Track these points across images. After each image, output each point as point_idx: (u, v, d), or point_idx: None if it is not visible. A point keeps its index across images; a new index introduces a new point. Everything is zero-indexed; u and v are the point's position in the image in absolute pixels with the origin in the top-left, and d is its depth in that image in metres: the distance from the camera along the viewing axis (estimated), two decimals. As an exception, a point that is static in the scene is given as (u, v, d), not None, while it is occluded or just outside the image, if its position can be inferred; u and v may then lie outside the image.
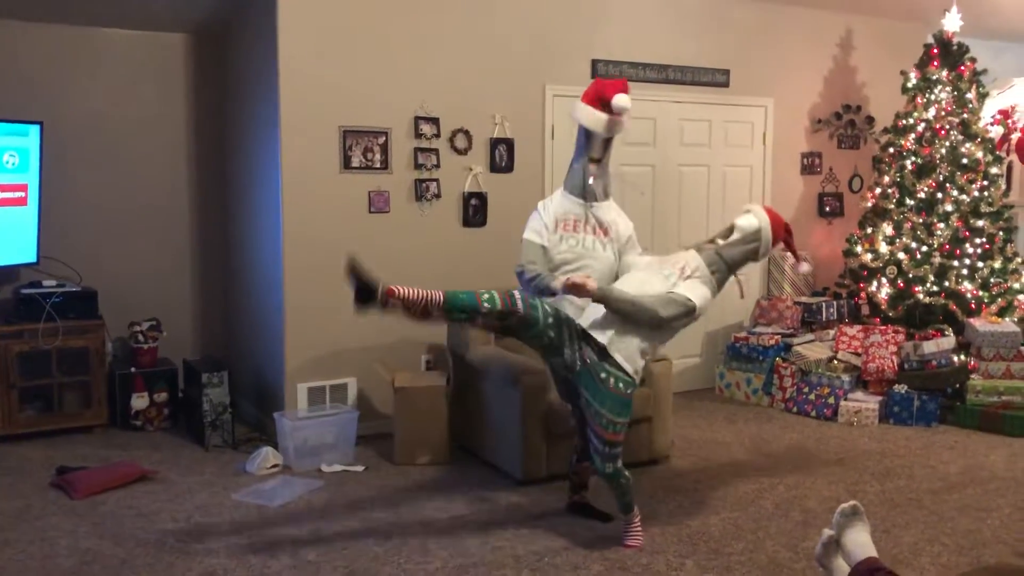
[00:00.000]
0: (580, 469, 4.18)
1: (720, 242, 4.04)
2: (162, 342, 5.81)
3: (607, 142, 3.99)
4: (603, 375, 3.62)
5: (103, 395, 5.53)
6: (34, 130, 5.38)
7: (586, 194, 4.01)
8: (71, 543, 3.86)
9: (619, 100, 3.85)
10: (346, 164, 5.32)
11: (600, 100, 3.91)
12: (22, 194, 5.38)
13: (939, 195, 6.38)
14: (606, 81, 4.02)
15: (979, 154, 6.42)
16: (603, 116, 3.91)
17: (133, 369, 5.65)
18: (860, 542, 2.45)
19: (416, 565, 3.67)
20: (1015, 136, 7.40)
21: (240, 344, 6.08)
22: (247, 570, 3.60)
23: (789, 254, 6.83)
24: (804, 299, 6.78)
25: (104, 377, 5.54)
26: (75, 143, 5.74)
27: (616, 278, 3.98)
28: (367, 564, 3.67)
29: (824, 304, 6.67)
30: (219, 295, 6.29)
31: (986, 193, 6.41)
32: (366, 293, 3.30)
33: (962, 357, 5.98)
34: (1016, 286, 6.37)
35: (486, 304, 3.37)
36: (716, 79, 6.55)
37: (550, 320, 3.47)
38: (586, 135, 3.99)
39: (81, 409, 5.51)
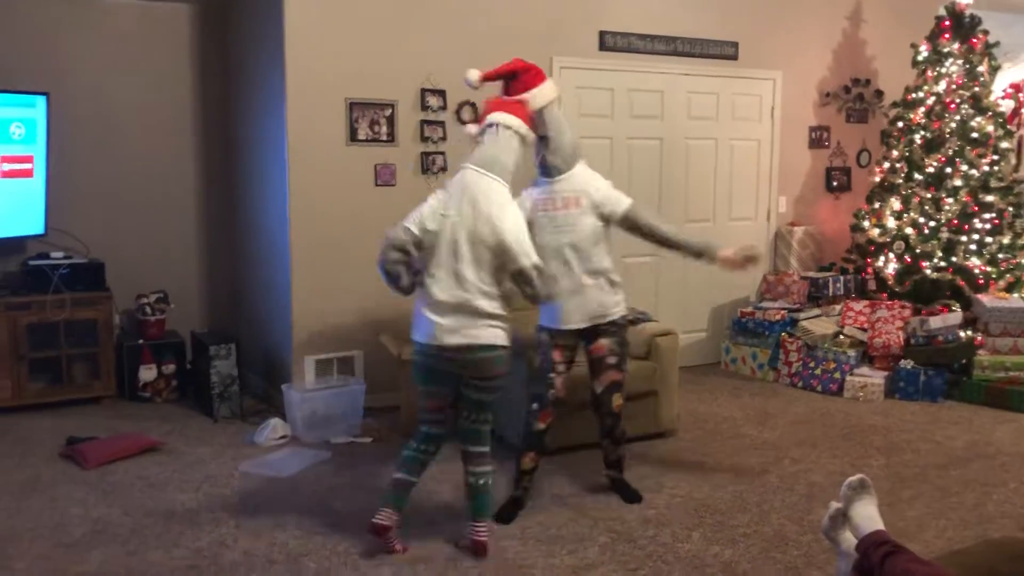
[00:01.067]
0: (603, 447, 4.19)
1: None
2: (170, 314, 5.82)
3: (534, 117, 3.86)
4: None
5: (111, 367, 5.56)
6: (41, 101, 5.36)
7: (551, 172, 3.93)
8: (81, 512, 3.90)
9: (471, 76, 3.89)
10: (352, 137, 5.30)
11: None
12: (29, 165, 5.38)
13: (948, 170, 6.35)
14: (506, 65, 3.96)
15: (989, 128, 6.37)
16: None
17: (141, 341, 5.67)
18: (867, 515, 2.46)
19: (424, 536, 3.70)
20: (1026, 110, 7.36)
21: (248, 316, 6.09)
22: (255, 540, 3.63)
23: (795, 228, 6.85)
24: (811, 274, 6.77)
25: (112, 349, 5.57)
26: (81, 114, 5.72)
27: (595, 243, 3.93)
28: (375, 536, 3.69)
29: (831, 279, 6.66)
30: (226, 267, 6.30)
31: (996, 168, 6.37)
32: None
33: (969, 333, 5.98)
34: (1024, 261, 6.36)
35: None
36: (725, 51, 6.51)
37: None
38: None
39: (89, 380, 5.54)
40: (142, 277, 5.87)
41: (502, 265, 3.42)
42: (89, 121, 5.77)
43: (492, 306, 3.43)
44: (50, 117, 5.41)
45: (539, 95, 3.83)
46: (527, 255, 3.42)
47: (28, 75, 5.49)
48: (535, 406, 3.98)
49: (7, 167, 5.29)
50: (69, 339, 5.43)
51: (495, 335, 3.44)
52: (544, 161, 3.94)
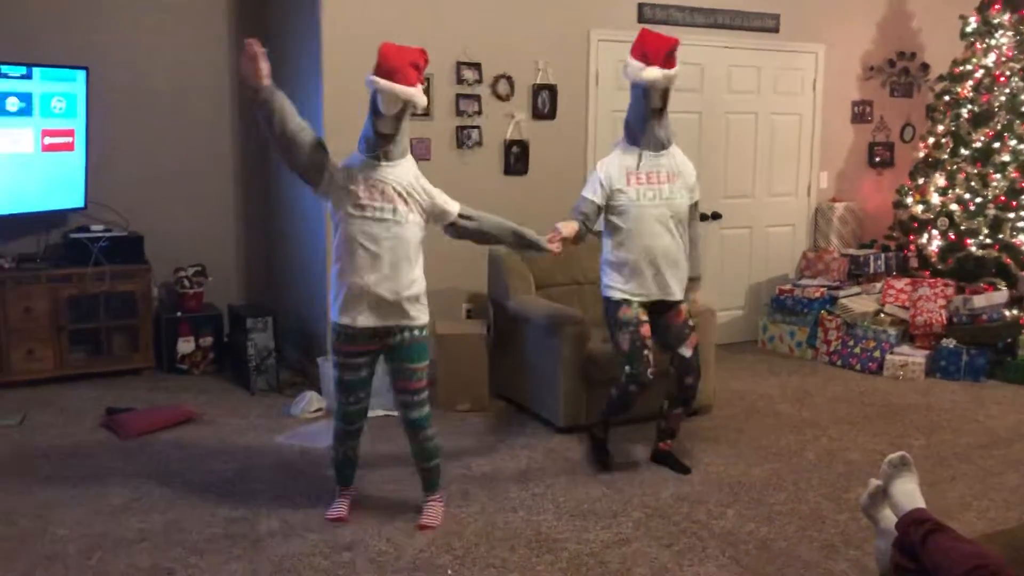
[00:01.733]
0: (671, 416, 4.18)
1: None
2: (207, 287, 5.87)
3: (663, 93, 3.92)
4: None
5: (150, 339, 5.63)
6: (81, 75, 5.40)
7: (651, 143, 3.96)
8: (121, 481, 3.95)
9: (650, 74, 3.83)
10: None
11: (644, 57, 3.88)
12: (70, 139, 5.43)
13: (996, 144, 6.18)
14: (651, 36, 3.92)
15: (1040, 102, 6.19)
16: (650, 71, 3.83)
17: (179, 314, 5.72)
18: (908, 492, 2.41)
19: (457, 508, 3.71)
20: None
21: (284, 290, 6.13)
22: (292, 510, 3.66)
23: (836, 204, 6.74)
24: (851, 251, 6.66)
25: (151, 321, 5.63)
26: (121, 88, 5.76)
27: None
28: (409, 507, 3.71)
29: (872, 256, 6.54)
30: (263, 241, 6.33)
31: (1046, 142, 6.20)
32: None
33: (1014, 312, 5.83)
34: (1073, 239, 6.19)
35: None
36: (766, 24, 6.38)
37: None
38: (637, 89, 3.94)
39: (129, 352, 5.61)
40: (180, 250, 5.92)
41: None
42: (128, 95, 5.80)
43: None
44: (90, 91, 5.46)
45: (679, 72, 3.96)
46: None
47: (68, 49, 5.53)
48: (633, 388, 3.98)
49: (49, 141, 5.35)
50: (109, 311, 5.50)
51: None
52: (655, 135, 3.96)
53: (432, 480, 3.65)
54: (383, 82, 3.29)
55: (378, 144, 3.36)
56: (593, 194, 4.00)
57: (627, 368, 3.97)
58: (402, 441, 4.34)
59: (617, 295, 4.00)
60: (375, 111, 3.36)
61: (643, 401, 4.15)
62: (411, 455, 3.64)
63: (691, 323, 4.08)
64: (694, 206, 4.13)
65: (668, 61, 3.85)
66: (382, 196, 3.35)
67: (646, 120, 3.94)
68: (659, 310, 4.05)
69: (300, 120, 3.40)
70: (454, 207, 3.60)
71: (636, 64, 3.88)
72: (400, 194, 3.38)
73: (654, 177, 3.96)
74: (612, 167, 4.00)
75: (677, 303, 4.04)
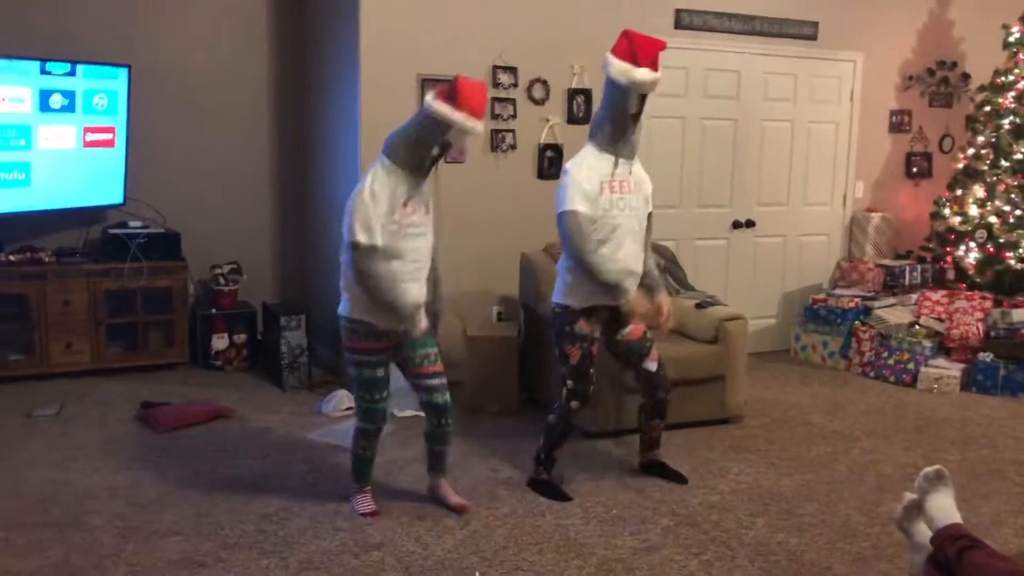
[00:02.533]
0: (650, 428, 4.14)
1: None
2: (242, 285, 5.94)
3: (643, 98, 3.73)
4: None
5: (185, 335, 5.70)
6: (122, 73, 5.49)
7: (623, 150, 3.76)
8: (155, 474, 4.01)
9: (642, 75, 3.62)
10: (424, 112, 5.30)
11: (633, 58, 3.67)
12: (110, 136, 5.52)
13: (1037, 156, 6.09)
14: (640, 37, 3.73)
15: (1083, 114, 6.10)
16: (642, 72, 3.63)
17: (214, 311, 5.79)
18: (944, 507, 2.38)
19: (486, 510, 3.71)
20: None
21: (317, 289, 6.17)
22: (321, 507, 3.69)
23: (872, 214, 6.68)
24: (886, 262, 6.59)
25: (186, 317, 5.70)
26: (160, 86, 5.84)
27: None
28: (438, 508, 3.73)
29: (907, 267, 6.48)
30: (298, 240, 6.39)
31: (1089, 156, 6.09)
32: None
33: (1053, 326, 5.74)
34: (1115, 254, 6.08)
35: None
36: (804, 31, 6.33)
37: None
38: (621, 90, 3.69)
39: (164, 347, 5.68)
40: (216, 248, 5.99)
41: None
42: (167, 93, 5.88)
43: (342, 278, 3.51)
44: (131, 89, 5.54)
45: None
46: (351, 230, 3.34)
47: (111, 47, 5.62)
48: (575, 404, 3.87)
49: (90, 137, 5.43)
50: (145, 306, 5.58)
51: (346, 308, 3.51)
52: (629, 141, 3.77)
53: (445, 463, 3.77)
54: (474, 124, 3.38)
55: (430, 163, 3.43)
56: (578, 204, 3.66)
57: (569, 383, 3.84)
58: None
59: (576, 304, 3.78)
60: (440, 141, 3.37)
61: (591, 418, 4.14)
62: (427, 440, 3.72)
63: (649, 337, 3.95)
64: (649, 216, 3.92)
65: (654, 64, 3.68)
66: (423, 211, 3.45)
67: (624, 125, 3.72)
68: (614, 325, 3.88)
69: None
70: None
71: (622, 64, 3.65)
72: (428, 207, 3.51)
73: (625, 186, 3.75)
74: (590, 172, 3.71)
75: (624, 319, 3.86)
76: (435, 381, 3.59)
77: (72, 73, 5.27)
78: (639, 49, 3.67)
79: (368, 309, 3.42)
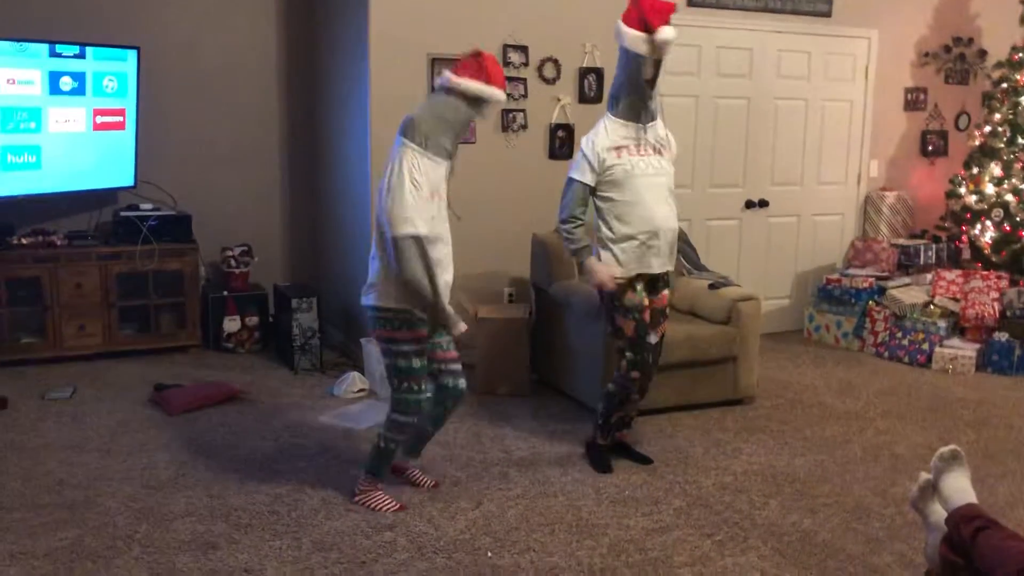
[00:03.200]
0: (632, 399, 4.05)
1: None
2: (253, 267, 5.94)
3: (657, 63, 3.73)
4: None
5: (197, 317, 5.71)
6: (131, 55, 5.47)
7: (643, 116, 3.78)
8: (168, 456, 4.02)
9: (664, 34, 3.61)
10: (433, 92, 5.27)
11: (643, 24, 3.65)
12: (120, 118, 5.51)
13: (1055, 134, 6.01)
14: (648, 2, 3.68)
15: (1102, 90, 6.01)
16: (648, 39, 3.63)
17: (225, 293, 5.80)
18: (959, 487, 2.35)
19: (498, 492, 3.71)
20: None
21: (328, 271, 6.17)
22: (334, 488, 3.69)
23: (887, 193, 6.61)
24: (901, 241, 6.53)
25: (198, 300, 5.71)
26: (170, 69, 5.82)
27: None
28: (449, 488, 3.73)
29: (922, 247, 6.42)
30: (309, 222, 6.38)
31: (1107, 132, 6.01)
32: None
33: (1070, 306, 5.69)
34: None
35: None
36: (818, 8, 6.25)
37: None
38: (635, 59, 3.69)
39: (176, 330, 5.70)
40: (227, 230, 5.99)
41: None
42: (178, 75, 5.87)
43: (374, 271, 3.42)
44: (141, 71, 5.52)
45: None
46: (400, 223, 3.23)
47: (120, 29, 5.60)
48: (635, 374, 3.84)
49: (100, 120, 5.43)
50: (157, 289, 5.59)
51: (369, 297, 3.41)
52: (648, 108, 3.79)
53: (425, 446, 3.81)
54: (500, 93, 3.37)
55: (456, 148, 3.39)
56: (582, 175, 3.78)
57: (628, 355, 3.84)
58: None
59: (622, 275, 3.79)
60: (462, 118, 3.36)
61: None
62: (431, 424, 3.67)
63: (667, 310, 3.96)
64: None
65: (666, 25, 3.67)
66: (445, 195, 3.43)
67: (642, 92, 3.72)
68: (650, 289, 3.89)
69: None
70: None
71: (634, 33, 3.64)
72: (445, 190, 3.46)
73: (647, 149, 3.78)
74: (600, 141, 3.75)
75: (665, 285, 3.91)
76: (457, 366, 3.60)
77: (82, 55, 5.26)
78: (649, 14, 3.64)
79: (407, 296, 3.33)
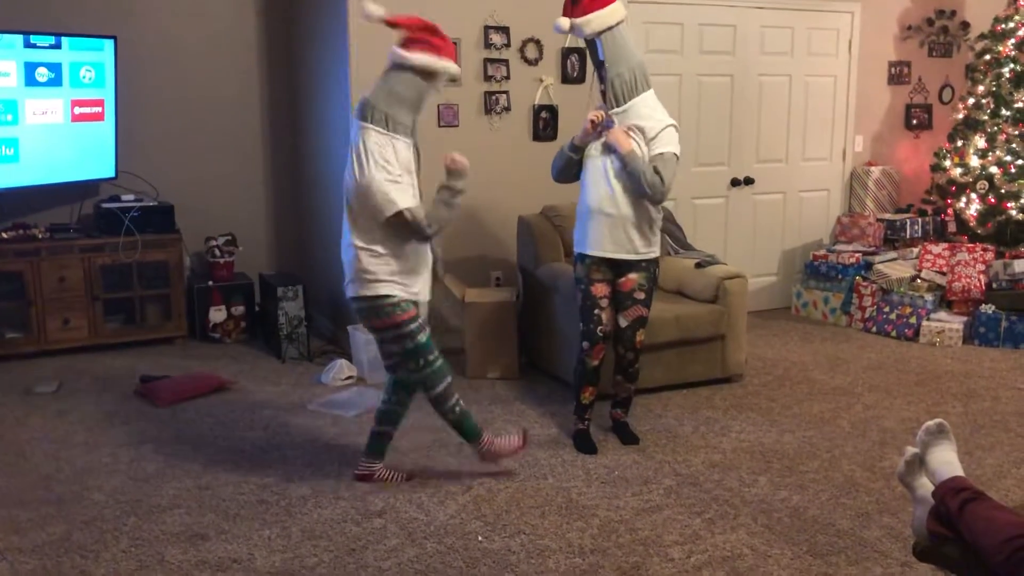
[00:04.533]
0: (614, 383, 4.14)
1: None
2: (238, 257, 5.90)
3: (591, 43, 3.83)
4: None
5: (182, 308, 5.67)
6: (109, 45, 5.40)
7: (608, 100, 3.83)
8: (155, 448, 4.00)
9: (560, 22, 3.85)
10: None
11: (569, 7, 3.83)
12: (99, 109, 5.45)
13: (1038, 105, 6.01)
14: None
15: (1085, 60, 6.00)
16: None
17: (210, 283, 5.76)
18: (946, 460, 2.35)
19: (488, 476, 3.71)
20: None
21: (314, 259, 6.14)
22: (323, 477, 3.69)
23: (872, 168, 6.61)
24: (887, 216, 6.54)
25: (183, 290, 5.68)
26: (149, 58, 5.75)
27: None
28: (439, 473, 3.72)
29: (908, 221, 6.42)
30: (293, 210, 6.34)
31: (1091, 103, 6.01)
32: None
33: (1056, 276, 5.71)
34: (1118, 202, 6.02)
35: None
36: (800, -17, 6.23)
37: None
38: (624, 31, 3.84)
39: (161, 321, 5.66)
40: (211, 220, 5.93)
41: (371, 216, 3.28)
42: (156, 64, 5.80)
43: (349, 259, 3.36)
44: (118, 61, 5.46)
45: (591, 20, 3.77)
46: (387, 206, 3.23)
47: (96, 19, 5.53)
48: (585, 344, 3.93)
49: (79, 111, 5.37)
50: (141, 280, 5.55)
51: (354, 288, 3.36)
52: (602, 92, 3.85)
53: None
54: (453, 65, 3.38)
55: (415, 124, 3.38)
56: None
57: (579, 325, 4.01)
58: (427, 409, 4.34)
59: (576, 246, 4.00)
60: (418, 94, 3.34)
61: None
62: (394, 425, 3.65)
63: (639, 295, 3.89)
64: (656, 158, 3.74)
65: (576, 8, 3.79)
66: (415, 173, 3.41)
67: (601, 76, 3.84)
68: (617, 272, 3.91)
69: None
70: None
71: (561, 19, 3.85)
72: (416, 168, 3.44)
73: (604, 133, 3.82)
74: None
75: (627, 270, 3.88)
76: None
77: (57, 46, 5.19)
78: None
79: (397, 275, 3.33)
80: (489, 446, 3.63)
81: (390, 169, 3.25)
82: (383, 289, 3.34)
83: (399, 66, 3.30)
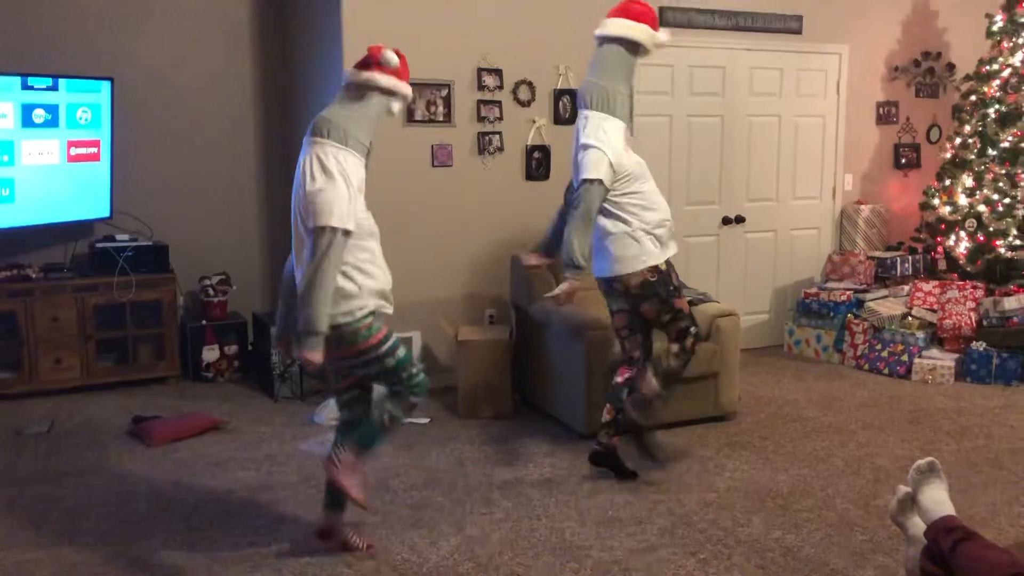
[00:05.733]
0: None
1: None
2: (232, 296, 5.90)
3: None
4: None
5: (175, 347, 5.66)
6: (105, 86, 5.46)
7: (632, 119, 3.91)
8: (147, 489, 3.97)
9: (663, 36, 3.92)
10: (409, 117, 5.29)
11: (654, 21, 3.90)
12: (95, 150, 5.49)
13: (1024, 145, 6.10)
14: (644, 5, 3.90)
15: (1069, 101, 6.10)
16: (660, 37, 3.89)
17: (204, 322, 5.76)
18: (937, 499, 2.36)
19: (481, 516, 3.69)
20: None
21: (306, 298, 6.14)
22: (314, 518, 3.65)
23: (862, 206, 6.67)
24: (878, 254, 6.59)
25: (176, 330, 5.67)
26: (145, 99, 5.80)
27: None
28: (432, 514, 3.71)
29: (898, 259, 6.47)
30: (287, 249, 6.31)
31: (1075, 142, 6.09)
32: None
33: (1045, 314, 5.74)
34: (1105, 240, 6.08)
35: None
36: (788, 25, 6.33)
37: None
38: (630, 58, 3.86)
39: (154, 360, 5.65)
40: (205, 259, 5.95)
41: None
42: (153, 106, 5.85)
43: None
44: (115, 102, 5.51)
45: (610, 24, 3.90)
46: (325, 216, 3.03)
47: (93, 60, 5.58)
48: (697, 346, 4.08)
49: (75, 151, 5.40)
50: (135, 320, 5.55)
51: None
52: (632, 109, 3.93)
53: None
54: (407, 87, 3.31)
55: (371, 145, 3.28)
56: (605, 175, 3.76)
57: (693, 329, 3.99)
58: (420, 448, 4.34)
59: (662, 262, 3.89)
60: (375, 114, 3.28)
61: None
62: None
63: (664, 318, 4.01)
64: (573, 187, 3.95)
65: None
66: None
67: (629, 90, 3.87)
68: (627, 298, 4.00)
69: None
70: None
71: (647, 28, 3.85)
72: None
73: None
74: (616, 142, 3.81)
75: (636, 298, 3.97)
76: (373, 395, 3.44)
77: (54, 87, 5.24)
78: (652, 14, 3.93)
79: (367, 295, 3.16)
80: (354, 469, 3.25)
81: (349, 186, 3.09)
82: (361, 310, 3.15)
83: (358, 86, 3.22)
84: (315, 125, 3.21)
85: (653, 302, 3.90)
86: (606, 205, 3.83)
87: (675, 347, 3.98)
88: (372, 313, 3.19)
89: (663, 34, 3.92)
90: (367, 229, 3.21)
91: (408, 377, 3.26)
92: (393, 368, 3.23)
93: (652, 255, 3.84)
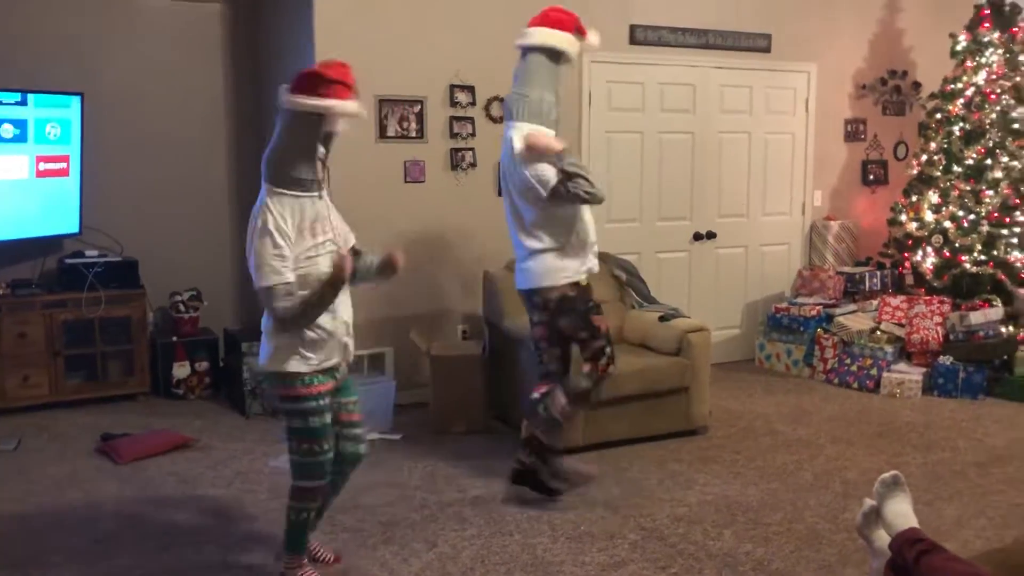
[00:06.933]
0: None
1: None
2: (203, 312, 5.87)
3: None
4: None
5: (145, 363, 5.62)
6: (75, 101, 5.43)
7: (558, 127, 3.89)
8: (115, 508, 3.94)
9: (593, 39, 3.94)
10: (382, 133, 5.31)
11: (577, 29, 3.88)
12: (64, 165, 5.45)
13: (988, 161, 6.21)
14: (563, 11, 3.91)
15: (1031, 119, 6.22)
16: (592, 39, 3.93)
17: (174, 338, 5.72)
18: (901, 512, 2.40)
19: (453, 532, 3.69)
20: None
21: (279, 314, 6.12)
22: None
23: (831, 222, 6.75)
24: (847, 269, 6.67)
25: (146, 346, 5.63)
26: (115, 114, 5.77)
27: None
28: (404, 531, 3.70)
29: (867, 274, 6.55)
30: (258, 265, 6.32)
31: (1038, 159, 6.21)
32: None
33: (1010, 328, 5.84)
34: (1067, 255, 6.20)
35: None
36: (757, 44, 6.42)
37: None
38: (553, 67, 3.85)
39: (124, 377, 5.60)
40: (175, 275, 5.91)
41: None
42: (123, 121, 5.81)
43: (263, 327, 3.10)
44: (84, 117, 5.47)
45: (534, 33, 3.88)
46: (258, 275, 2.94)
47: (63, 75, 5.55)
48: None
49: (44, 167, 5.36)
50: (104, 336, 5.50)
51: (261, 356, 3.12)
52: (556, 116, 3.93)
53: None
54: (352, 105, 3.04)
55: (321, 172, 3.06)
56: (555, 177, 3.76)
57: (608, 350, 3.94)
58: (392, 464, 4.32)
59: (583, 277, 3.90)
60: (322, 137, 3.02)
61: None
62: (330, 492, 3.31)
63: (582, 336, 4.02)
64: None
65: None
66: (330, 228, 3.10)
67: (555, 97, 3.88)
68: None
69: None
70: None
71: (567, 36, 3.85)
72: (330, 214, 3.13)
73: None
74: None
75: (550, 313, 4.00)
76: (360, 430, 3.28)
77: (23, 103, 5.20)
78: (575, 22, 3.93)
79: (311, 351, 3.02)
80: (296, 572, 3.19)
81: (282, 237, 2.93)
82: (288, 367, 3.02)
83: (286, 112, 3.00)
84: (262, 164, 3.04)
85: (571, 317, 3.88)
86: (532, 218, 3.82)
87: (587, 367, 3.91)
88: (306, 370, 3.03)
89: (593, 36, 3.91)
90: (311, 278, 2.99)
91: (305, 451, 3.05)
92: (295, 432, 3.07)
93: (573, 270, 3.85)
